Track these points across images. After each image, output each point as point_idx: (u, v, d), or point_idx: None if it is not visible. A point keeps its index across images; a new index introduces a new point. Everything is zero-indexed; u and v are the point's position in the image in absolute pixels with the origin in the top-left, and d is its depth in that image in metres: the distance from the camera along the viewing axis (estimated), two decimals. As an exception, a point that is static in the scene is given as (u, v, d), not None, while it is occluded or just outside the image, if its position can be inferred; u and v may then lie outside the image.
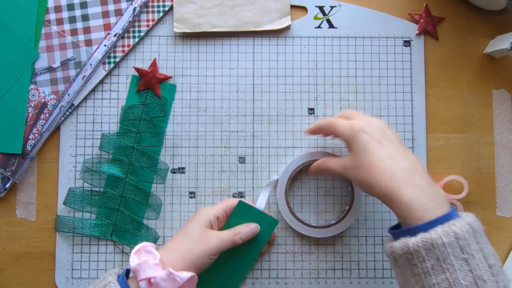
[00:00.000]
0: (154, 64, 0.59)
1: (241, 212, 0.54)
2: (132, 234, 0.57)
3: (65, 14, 0.58)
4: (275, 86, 0.60)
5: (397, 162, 0.44)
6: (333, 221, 0.57)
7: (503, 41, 0.56)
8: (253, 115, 0.60)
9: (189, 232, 0.50)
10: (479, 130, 0.60)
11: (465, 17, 0.61)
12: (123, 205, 0.58)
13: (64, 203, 0.57)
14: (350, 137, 0.47)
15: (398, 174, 0.43)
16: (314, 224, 0.57)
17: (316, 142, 0.59)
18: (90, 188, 0.58)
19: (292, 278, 0.58)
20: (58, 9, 0.58)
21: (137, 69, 0.59)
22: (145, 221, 0.58)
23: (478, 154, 0.60)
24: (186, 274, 0.45)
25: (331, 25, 0.60)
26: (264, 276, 0.58)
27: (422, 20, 0.60)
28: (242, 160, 0.59)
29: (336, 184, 0.59)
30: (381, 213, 0.59)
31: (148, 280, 0.45)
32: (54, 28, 0.58)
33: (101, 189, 0.58)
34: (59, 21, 0.58)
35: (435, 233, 0.40)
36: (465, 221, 0.40)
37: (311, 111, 0.60)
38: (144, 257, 0.47)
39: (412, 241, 0.41)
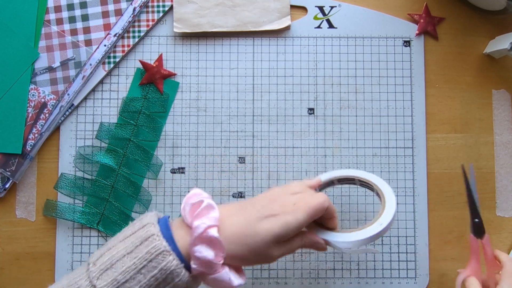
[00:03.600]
0: (160, 59, 0.59)
1: None
2: (119, 226, 0.58)
3: (65, 14, 0.58)
4: (275, 86, 0.60)
5: None
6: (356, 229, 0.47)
7: (503, 41, 0.56)
8: (253, 115, 0.60)
9: (257, 240, 0.41)
10: (479, 130, 0.60)
11: (465, 17, 0.61)
12: (113, 196, 0.58)
13: (55, 188, 0.57)
14: None
15: None
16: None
17: (316, 142, 0.59)
18: (82, 176, 0.58)
19: (292, 278, 0.58)
20: (58, 9, 0.58)
21: (142, 63, 0.59)
22: (133, 215, 0.58)
23: (478, 154, 0.60)
24: (239, 281, 0.42)
25: (331, 25, 0.60)
26: (264, 276, 0.58)
27: (422, 20, 0.60)
28: (242, 160, 0.59)
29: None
30: (381, 213, 0.59)
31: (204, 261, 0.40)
32: (54, 28, 0.58)
33: (93, 178, 0.58)
34: (59, 21, 0.58)
35: None
36: None
37: (311, 111, 0.60)
38: (204, 221, 0.40)
39: None
